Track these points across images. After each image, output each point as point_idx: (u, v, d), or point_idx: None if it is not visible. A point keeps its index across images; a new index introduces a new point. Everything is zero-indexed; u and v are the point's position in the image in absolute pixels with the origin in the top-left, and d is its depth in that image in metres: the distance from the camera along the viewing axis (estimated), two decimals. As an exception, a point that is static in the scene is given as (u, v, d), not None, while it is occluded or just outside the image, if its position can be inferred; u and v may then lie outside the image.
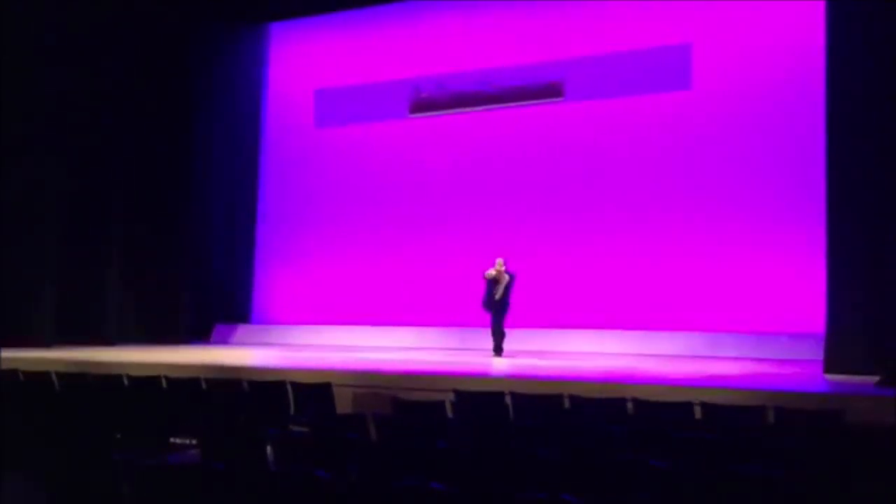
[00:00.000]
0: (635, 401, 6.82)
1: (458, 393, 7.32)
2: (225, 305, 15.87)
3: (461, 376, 9.02)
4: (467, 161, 14.49)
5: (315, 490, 4.08)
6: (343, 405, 8.10)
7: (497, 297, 11.53)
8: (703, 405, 6.53)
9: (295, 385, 7.96)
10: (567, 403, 7.00)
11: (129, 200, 14.45)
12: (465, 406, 7.11)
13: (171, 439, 6.27)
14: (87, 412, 6.70)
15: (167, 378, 8.46)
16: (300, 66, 16.25)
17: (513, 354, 11.65)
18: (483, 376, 9.15)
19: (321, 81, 15.98)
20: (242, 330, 15.56)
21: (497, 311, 11.57)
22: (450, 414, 6.93)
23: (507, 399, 7.14)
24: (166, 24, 14.75)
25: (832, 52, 9.72)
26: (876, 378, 8.27)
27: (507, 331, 11.71)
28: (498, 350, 11.56)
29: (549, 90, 13.96)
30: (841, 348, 9.20)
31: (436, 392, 7.62)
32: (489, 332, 11.89)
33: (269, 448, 5.33)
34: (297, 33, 16.24)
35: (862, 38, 9.47)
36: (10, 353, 10.41)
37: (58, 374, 8.71)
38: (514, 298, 12.31)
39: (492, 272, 11.64)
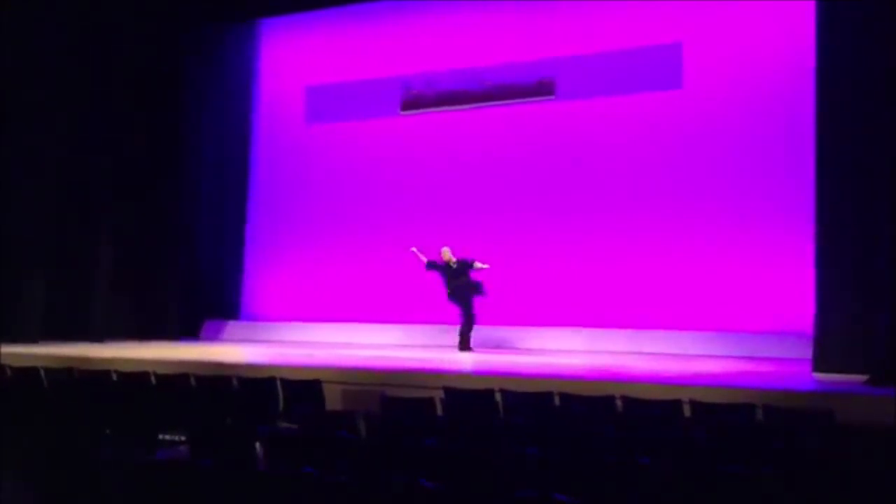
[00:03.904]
0: (624, 399, 6.84)
1: (447, 390, 7.33)
2: (214, 302, 15.83)
3: (451, 374, 9.02)
4: (458, 159, 14.48)
5: (304, 488, 4.07)
6: (332, 402, 8.09)
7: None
8: (692, 403, 6.55)
9: (284, 382, 7.95)
10: (557, 401, 7.00)
11: (119, 197, 14.38)
12: (454, 404, 7.12)
13: (160, 436, 6.26)
14: (75, 408, 6.68)
15: (156, 374, 8.43)
16: (291, 62, 16.21)
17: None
18: (473, 374, 9.15)
19: (312, 78, 15.94)
20: (232, 326, 15.52)
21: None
22: (439, 411, 6.94)
23: (497, 397, 7.15)
24: (156, 21, 14.67)
25: (822, 52, 9.74)
26: (864, 377, 8.30)
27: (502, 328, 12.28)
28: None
29: (540, 88, 13.96)
30: (829, 347, 9.22)
31: (425, 389, 7.62)
32: (478, 330, 12.12)
33: (257, 445, 5.32)
34: (288, 30, 16.20)
35: (852, 38, 9.49)
36: (-3, 349, 10.37)
37: (46, 370, 8.68)
38: (506, 295, 12.50)
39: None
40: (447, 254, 12.39)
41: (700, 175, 12.75)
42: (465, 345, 12.00)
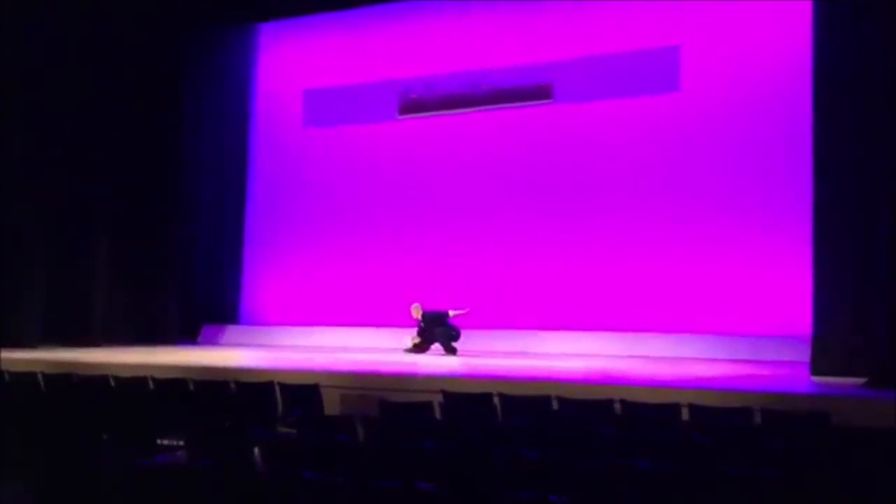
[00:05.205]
0: (623, 402, 6.84)
1: (445, 394, 7.33)
2: (213, 306, 15.82)
3: (449, 377, 9.03)
4: (456, 162, 14.49)
5: (302, 491, 4.08)
6: (331, 406, 8.09)
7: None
8: (691, 406, 6.56)
9: (282, 386, 7.95)
10: (555, 405, 7.01)
11: (117, 201, 14.38)
12: (452, 407, 7.11)
13: (159, 440, 6.25)
14: (74, 413, 6.67)
15: (154, 379, 8.43)
16: (289, 66, 16.23)
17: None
18: (471, 377, 9.15)
19: (310, 82, 15.95)
20: (230, 331, 15.51)
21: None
22: (438, 415, 6.93)
23: (496, 400, 7.15)
24: (156, 24, 14.69)
25: (819, 54, 9.77)
26: (862, 380, 8.31)
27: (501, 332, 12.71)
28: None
29: (538, 92, 13.97)
30: (827, 350, 9.24)
31: (424, 393, 7.62)
32: (477, 334, 12.16)
33: (256, 450, 5.32)
34: (287, 33, 16.21)
35: (849, 40, 9.52)
36: (-4, 354, 10.35)
37: (44, 374, 8.68)
38: (504, 299, 12.66)
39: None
40: (416, 311, 12.33)
41: (698, 178, 12.76)
42: (451, 350, 12.02)
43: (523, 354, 12.27)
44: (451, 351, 11.96)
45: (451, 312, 12.15)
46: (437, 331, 12.10)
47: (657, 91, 13.12)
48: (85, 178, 14.00)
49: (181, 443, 6.05)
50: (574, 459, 4.66)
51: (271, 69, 16.41)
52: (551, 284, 13.49)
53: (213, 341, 15.20)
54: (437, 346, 12.17)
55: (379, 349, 13.12)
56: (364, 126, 15.37)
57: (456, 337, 12.02)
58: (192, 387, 8.23)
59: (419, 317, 12.26)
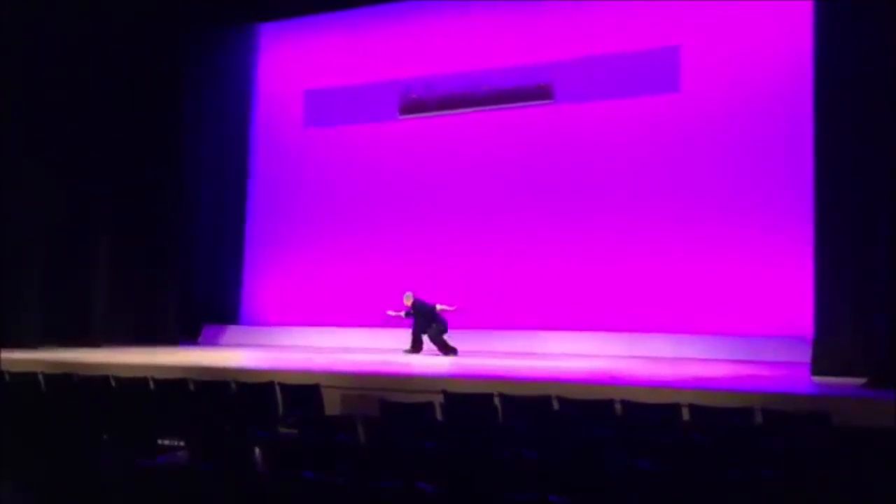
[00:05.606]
0: (623, 402, 6.84)
1: (446, 394, 7.33)
2: (213, 307, 15.82)
3: (450, 377, 9.03)
4: (457, 162, 14.49)
5: (302, 492, 4.08)
6: (331, 407, 8.10)
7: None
8: (691, 407, 6.56)
9: (283, 386, 7.95)
10: (555, 405, 7.01)
11: (117, 201, 14.39)
12: (453, 407, 7.11)
13: (159, 441, 6.25)
14: (75, 414, 6.67)
15: (154, 379, 8.43)
16: (290, 66, 16.23)
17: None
18: (471, 377, 9.15)
19: (311, 82, 15.96)
20: (231, 331, 15.51)
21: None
22: (438, 415, 6.93)
23: (496, 401, 7.15)
24: (156, 24, 14.69)
25: (820, 54, 9.77)
26: (862, 380, 8.31)
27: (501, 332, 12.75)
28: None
29: (538, 92, 13.97)
30: (828, 350, 9.24)
31: (424, 393, 7.62)
32: (477, 334, 12.14)
33: (256, 450, 5.32)
34: (287, 34, 16.21)
35: (849, 40, 9.53)
36: (-4, 354, 10.35)
37: (45, 375, 8.68)
38: (504, 299, 12.59)
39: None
40: (407, 299, 12.49)
41: (698, 179, 12.76)
42: (450, 350, 12.03)
43: (524, 354, 12.27)
44: (451, 350, 11.95)
45: (438, 306, 12.22)
46: (429, 332, 12.13)
47: (657, 91, 13.13)
48: (85, 178, 14.00)
49: (182, 443, 6.04)
50: (574, 459, 4.66)
51: (271, 69, 16.41)
52: (551, 284, 13.49)
53: (213, 341, 15.20)
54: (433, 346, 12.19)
55: (379, 349, 13.13)
56: (364, 126, 15.37)
57: (444, 331, 12.08)
58: (192, 387, 8.23)
59: (410, 304, 12.44)
